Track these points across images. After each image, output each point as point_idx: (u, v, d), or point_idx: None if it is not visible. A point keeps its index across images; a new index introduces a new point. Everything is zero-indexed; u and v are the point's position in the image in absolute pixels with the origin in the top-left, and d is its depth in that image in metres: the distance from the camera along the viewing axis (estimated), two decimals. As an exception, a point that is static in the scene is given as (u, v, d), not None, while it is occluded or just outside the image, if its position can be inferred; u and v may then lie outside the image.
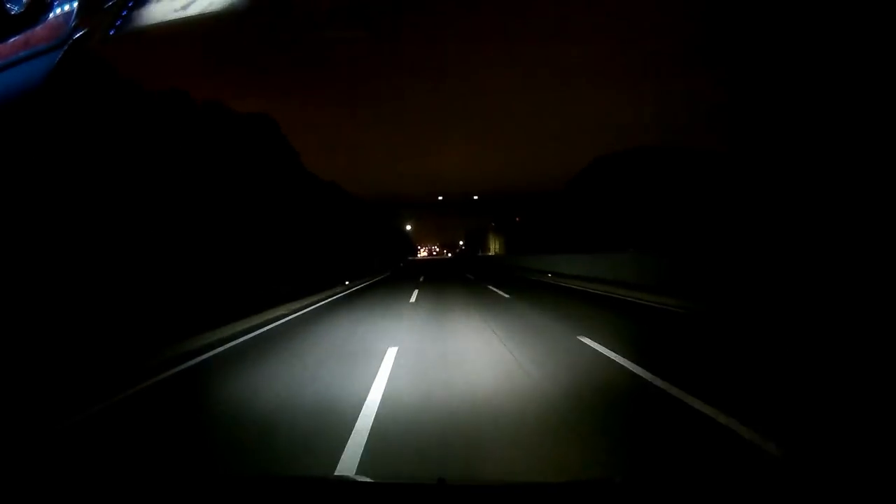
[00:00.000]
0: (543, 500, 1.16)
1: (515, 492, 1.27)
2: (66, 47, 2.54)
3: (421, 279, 17.51)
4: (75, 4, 2.41)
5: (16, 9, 2.41)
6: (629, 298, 8.43)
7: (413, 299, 9.96)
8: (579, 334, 5.14)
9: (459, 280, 16.80)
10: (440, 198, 29.99)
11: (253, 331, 6.39)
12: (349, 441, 2.42)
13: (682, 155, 20.03)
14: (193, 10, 2.49)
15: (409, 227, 49.61)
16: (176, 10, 2.52)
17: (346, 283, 14.64)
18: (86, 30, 2.54)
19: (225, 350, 5.17)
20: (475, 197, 31.10)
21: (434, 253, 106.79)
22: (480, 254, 59.22)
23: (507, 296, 10.08)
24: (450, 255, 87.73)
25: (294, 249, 13.76)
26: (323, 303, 10.07)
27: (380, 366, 4.06)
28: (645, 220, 19.66)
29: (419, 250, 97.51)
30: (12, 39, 2.48)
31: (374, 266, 23.26)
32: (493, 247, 53.65)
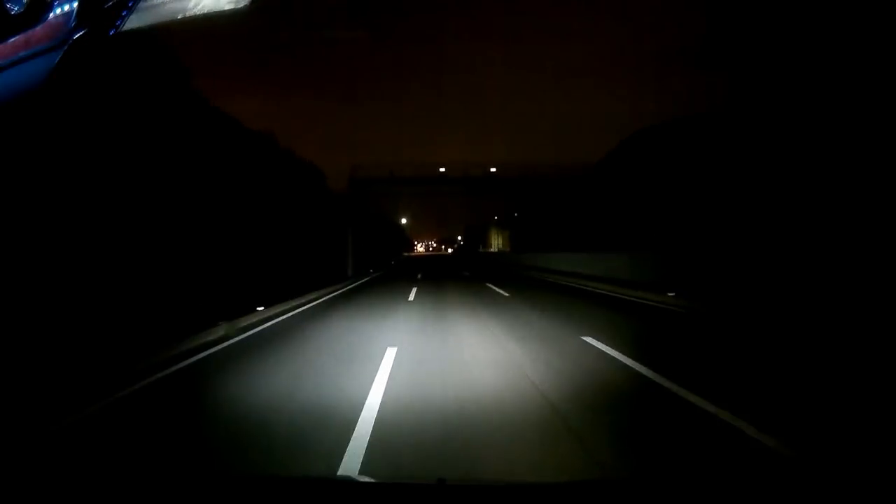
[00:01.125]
0: (543, 500, 1.17)
1: (515, 492, 1.27)
2: (66, 47, 2.53)
3: (411, 296, 9.70)
4: (75, 4, 2.41)
5: (16, 9, 2.40)
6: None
7: (356, 456, 2.27)
8: None
9: (479, 294, 9.64)
10: (442, 169, 23.36)
11: None
12: None
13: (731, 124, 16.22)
14: (195, 10, 2.50)
15: (404, 221, 46.57)
16: (177, 10, 2.52)
17: (259, 308, 7.57)
18: (86, 30, 2.53)
19: None
20: (492, 169, 24.51)
21: (431, 249, 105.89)
22: (481, 250, 58.78)
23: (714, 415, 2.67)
24: (450, 250, 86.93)
25: (179, 235, 7.20)
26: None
27: None
28: (682, 207, 15.96)
29: (416, 246, 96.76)
30: (12, 39, 2.47)
31: (345, 270, 15.98)
32: (496, 243, 52.47)
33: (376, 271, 20.51)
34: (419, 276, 16.59)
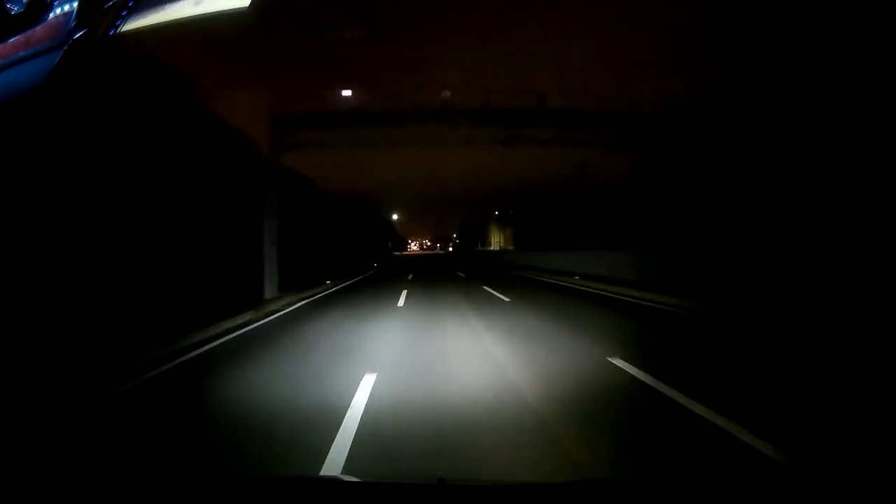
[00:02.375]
0: (543, 500, 1.18)
1: (515, 492, 1.28)
2: (66, 47, 2.54)
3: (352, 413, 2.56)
4: (75, 4, 2.41)
5: (16, 9, 2.40)
6: None
7: None
8: None
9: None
10: (446, 94, 11.26)
11: None
12: None
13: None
14: (193, 11, 2.49)
15: (395, 217, 43.44)
16: (176, 11, 2.52)
17: None
18: (86, 30, 2.54)
19: None
20: (540, 92, 10.17)
21: (425, 247, 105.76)
22: (480, 248, 58.57)
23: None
24: (450, 248, 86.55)
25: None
26: None
27: None
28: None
29: (409, 244, 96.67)
30: (12, 39, 2.48)
31: (262, 284, 8.71)
32: (496, 241, 51.45)
33: (337, 282, 12.84)
34: (403, 297, 9.15)
